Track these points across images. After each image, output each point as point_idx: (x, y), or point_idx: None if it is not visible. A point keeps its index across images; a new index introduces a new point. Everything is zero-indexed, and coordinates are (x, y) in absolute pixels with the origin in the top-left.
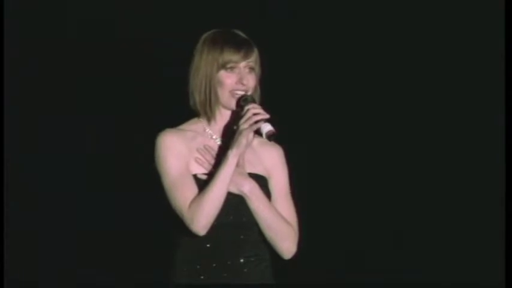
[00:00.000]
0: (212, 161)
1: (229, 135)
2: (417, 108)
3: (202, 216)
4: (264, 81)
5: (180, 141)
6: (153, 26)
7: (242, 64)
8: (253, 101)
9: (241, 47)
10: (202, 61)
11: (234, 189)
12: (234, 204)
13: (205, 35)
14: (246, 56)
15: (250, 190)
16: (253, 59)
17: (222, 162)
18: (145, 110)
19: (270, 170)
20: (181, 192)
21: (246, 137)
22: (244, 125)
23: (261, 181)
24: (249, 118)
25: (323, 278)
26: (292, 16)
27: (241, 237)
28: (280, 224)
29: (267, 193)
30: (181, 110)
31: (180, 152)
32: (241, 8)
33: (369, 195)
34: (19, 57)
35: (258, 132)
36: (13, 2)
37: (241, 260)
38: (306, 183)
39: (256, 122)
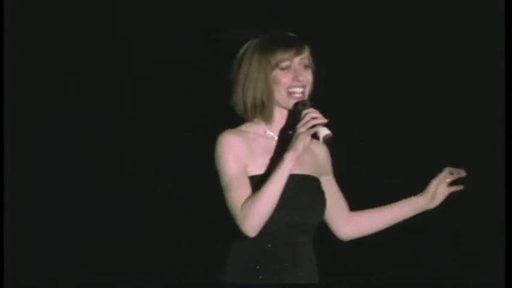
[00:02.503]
0: (270, 163)
1: (287, 137)
2: (417, 108)
3: (253, 217)
4: None
5: (240, 143)
6: (153, 26)
7: (296, 61)
8: (312, 106)
9: (291, 44)
10: (254, 65)
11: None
12: (299, 204)
13: (252, 42)
14: (298, 53)
15: None
16: (306, 55)
17: (278, 164)
18: (146, 110)
19: (324, 169)
20: (235, 193)
21: (303, 140)
22: (301, 128)
23: (316, 183)
24: (307, 122)
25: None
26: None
27: (302, 239)
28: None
29: (322, 194)
30: (181, 110)
31: (240, 154)
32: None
33: (368, 194)
34: (19, 57)
35: (314, 136)
36: (13, 2)
37: (297, 262)
38: None
39: (314, 126)
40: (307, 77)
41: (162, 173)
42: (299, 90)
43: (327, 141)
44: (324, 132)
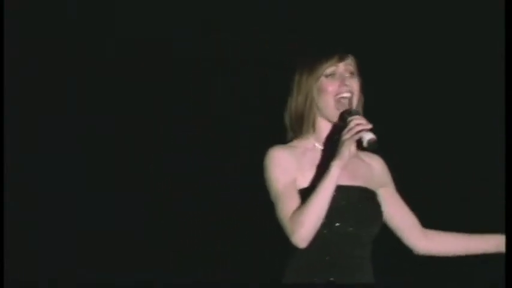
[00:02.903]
0: (317, 175)
1: (334, 147)
2: (416, 108)
3: (302, 227)
4: None
5: (288, 156)
6: (153, 26)
7: (341, 68)
8: (358, 114)
9: (335, 52)
10: (303, 79)
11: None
12: (354, 216)
13: (300, 58)
14: (342, 58)
15: None
16: (352, 63)
17: (325, 174)
18: (146, 110)
19: (381, 180)
20: (284, 205)
21: (348, 147)
22: (346, 135)
23: (370, 195)
24: (352, 128)
25: None
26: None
27: (359, 253)
28: None
29: (377, 207)
30: (181, 110)
31: (287, 167)
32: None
33: None
34: (19, 57)
35: (359, 143)
36: (13, 2)
37: (356, 276)
38: None
39: (358, 132)
40: (354, 84)
41: (162, 173)
42: (347, 95)
43: (371, 145)
44: (368, 136)
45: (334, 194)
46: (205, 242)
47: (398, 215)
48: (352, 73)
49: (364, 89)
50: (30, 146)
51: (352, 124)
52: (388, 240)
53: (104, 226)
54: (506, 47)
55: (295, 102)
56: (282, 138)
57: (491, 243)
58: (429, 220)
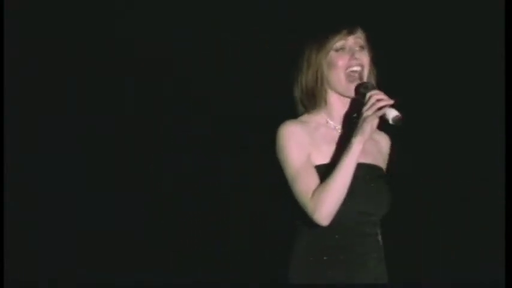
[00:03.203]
0: (335, 152)
1: (350, 124)
2: (416, 108)
3: (325, 205)
4: None
5: (302, 132)
6: (153, 26)
7: (350, 41)
8: (374, 88)
9: (343, 26)
10: (312, 54)
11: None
12: (366, 194)
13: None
14: (351, 32)
15: None
16: (361, 36)
17: (346, 150)
18: (146, 110)
19: (386, 159)
20: (303, 182)
21: (370, 123)
22: (368, 111)
23: (381, 173)
24: (373, 104)
25: None
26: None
27: (370, 230)
28: None
29: (387, 185)
30: (181, 110)
31: (303, 142)
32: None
33: None
34: (19, 57)
35: (382, 119)
36: (13, 2)
37: (366, 255)
38: None
39: (381, 108)
40: (364, 57)
41: (162, 173)
42: (357, 68)
43: (397, 122)
44: (392, 113)
45: None
46: (205, 242)
47: None
48: (362, 46)
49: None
50: (30, 146)
51: (373, 100)
52: (388, 241)
53: (104, 226)
54: (506, 47)
55: (305, 77)
56: None
57: None
58: (429, 220)
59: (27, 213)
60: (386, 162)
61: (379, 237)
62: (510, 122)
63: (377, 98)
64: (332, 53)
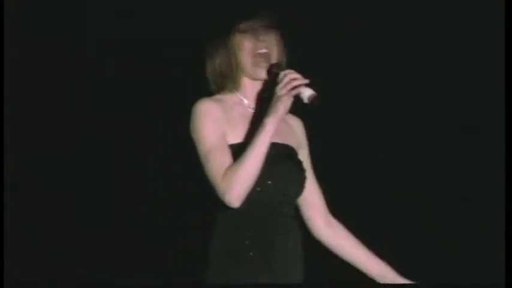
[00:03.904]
0: (249, 131)
1: (264, 103)
2: (416, 108)
3: (237, 186)
4: None
5: (217, 109)
6: (153, 26)
7: (257, 24)
8: (287, 67)
9: (257, 12)
10: (222, 36)
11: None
12: (280, 173)
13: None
14: (261, 18)
15: None
16: (271, 23)
17: (259, 129)
18: (146, 110)
19: (300, 142)
20: (216, 161)
21: (284, 103)
22: (282, 90)
23: (293, 153)
24: (287, 83)
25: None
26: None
27: (287, 211)
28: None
29: (300, 165)
30: (181, 110)
31: (218, 120)
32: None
33: (368, 194)
34: (19, 57)
35: (296, 99)
36: (13, 2)
37: (285, 236)
38: None
39: (295, 87)
40: (270, 38)
41: (162, 173)
42: (263, 51)
43: (313, 101)
44: (307, 92)
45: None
46: (205, 242)
47: (306, 186)
48: (268, 26)
49: (367, 90)
50: (30, 146)
51: (287, 79)
52: (387, 241)
53: (104, 226)
54: (506, 47)
55: (218, 59)
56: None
57: (377, 271)
58: (429, 220)
59: (27, 213)
60: (302, 145)
61: (295, 219)
62: (510, 122)
63: (291, 77)
64: (237, 35)
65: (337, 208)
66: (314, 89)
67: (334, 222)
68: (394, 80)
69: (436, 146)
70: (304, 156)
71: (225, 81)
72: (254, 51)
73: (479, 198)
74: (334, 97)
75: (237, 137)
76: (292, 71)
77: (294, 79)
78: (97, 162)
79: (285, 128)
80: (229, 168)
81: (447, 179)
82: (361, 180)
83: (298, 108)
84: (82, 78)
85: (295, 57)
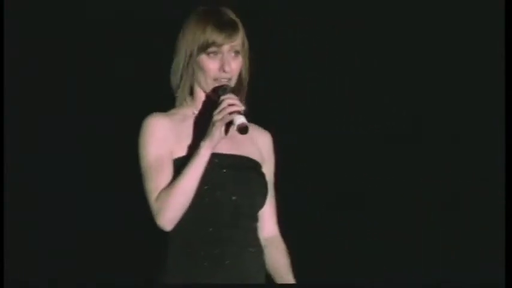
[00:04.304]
0: (195, 145)
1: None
2: (416, 108)
3: (167, 210)
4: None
5: (166, 126)
6: (153, 26)
7: (226, 48)
8: (232, 91)
9: (225, 27)
10: (184, 41)
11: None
12: (236, 185)
13: (190, 14)
14: (230, 38)
15: None
16: (239, 41)
17: (194, 154)
18: (146, 110)
19: (264, 156)
20: (152, 180)
21: (219, 128)
22: (218, 115)
23: (253, 164)
24: (223, 109)
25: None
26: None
27: (245, 223)
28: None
29: (261, 177)
30: None
31: (164, 139)
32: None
33: (368, 194)
34: (19, 57)
35: (229, 124)
36: (13, 2)
37: (243, 248)
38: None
39: (231, 113)
40: (234, 66)
41: None
42: (224, 80)
43: (241, 130)
44: (238, 120)
45: (216, 161)
46: None
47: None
48: (237, 52)
49: (367, 90)
50: (30, 146)
51: (224, 104)
52: (388, 241)
53: (104, 226)
54: (506, 47)
55: (177, 66)
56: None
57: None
58: (429, 220)
59: (27, 213)
60: (266, 160)
61: (257, 231)
62: (510, 122)
63: (228, 103)
64: (203, 56)
65: (338, 207)
66: (246, 118)
67: (278, 239)
68: (394, 80)
69: (436, 146)
70: (267, 170)
71: (181, 92)
72: (216, 77)
73: (479, 198)
74: (334, 97)
75: (183, 150)
76: (231, 96)
77: (232, 105)
78: (97, 162)
79: (248, 140)
80: (163, 190)
81: (447, 179)
82: (361, 180)
83: (299, 108)
84: (82, 78)
85: (295, 58)
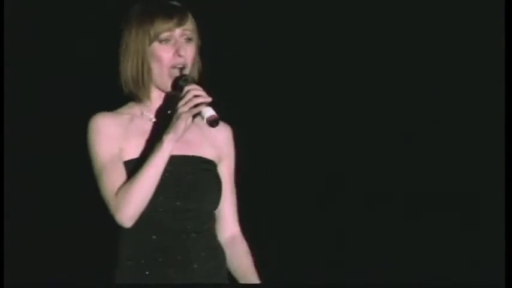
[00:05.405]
0: (146, 147)
1: (166, 118)
2: (416, 108)
3: (128, 205)
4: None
5: (114, 124)
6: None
7: (177, 33)
8: (194, 82)
9: (173, 13)
10: (132, 35)
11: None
12: (180, 188)
13: (132, 9)
14: (180, 23)
15: None
16: (190, 27)
17: (156, 147)
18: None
19: (221, 153)
20: (109, 178)
21: (184, 121)
22: (183, 107)
23: (208, 165)
24: (189, 100)
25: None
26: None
27: (193, 228)
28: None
29: (216, 178)
30: None
31: (113, 136)
32: None
33: (368, 194)
34: (19, 57)
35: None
36: (13, 2)
37: (190, 254)
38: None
39: (197, 105)
40: (189, 51)
41: None
42: (180, 66)
43: (212, 123)
44: (208, 113)
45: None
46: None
47: (222, 198)
48: (189, 38)
49: (367, 90)
50: (30, 146)
51: (189, 95)
52: (389, 241)
53: (104, 226)
54: (506, 47)
55: (130, 63)
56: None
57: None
58: (429, 220)
59: (27, 213)
60: (224, 155)
61: (213, 234)
62: (510, 122)
63: (194, 94)
64: (156, 44)
65: (339, 207)
66: (215, 109)
67: (239, 239)
68: (394, 79)
69: (436, 145)
70: (226, 167)
71: (134, 88)
72: (171, 65)
73: (479, 198)
74: (334, 97)
75: (133, 152)
76: (196, 86)
77: (197, 96)
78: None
79: (200, 138)
80: (122, 187)
81: (447, 179)
82: (361, 179)
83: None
84: (82, 78)
85: (295, 57)
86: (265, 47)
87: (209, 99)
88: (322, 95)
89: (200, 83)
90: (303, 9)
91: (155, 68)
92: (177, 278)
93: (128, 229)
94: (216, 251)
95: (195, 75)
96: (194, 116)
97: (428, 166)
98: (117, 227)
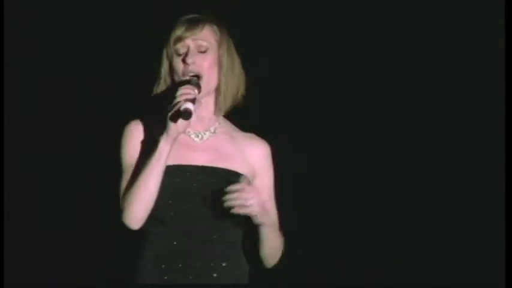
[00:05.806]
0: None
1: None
2: (416, 108)
3: (131, 208)
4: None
5: (142, 131)
6: (154, 26)
7: (189, 42)
8: (197, 85)
9: (188, 22)
10: (164, 52)
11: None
12: (207, 197)
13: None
14: (191, 31)
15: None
16: (205, 37)
17: (153, 151)
18: (146, 110)
19: (256, 168)
20: (122, 182)
21: (172, 121)
22: (170, 108)
23: (234, 178)
24: (176, 101)
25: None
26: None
27: (215, 236)
28: (279, 245)
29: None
30: None
31: (138, 142)
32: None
33: (368, 194)
34: (19, 57)
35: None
36: (13, 2)
37: (211, 264)
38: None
39: (180, 102)
40: (201, 61)
41: None
42: (191, 74)
43: (182, 115)
44: (183, 107)
45: (187, 174)
46: None
47: None
48: (204, 49)
49: (367, 90)
50: (30, 146)
51: (177, 98)
52: (389, 241)
53: (104, 226)
54: (506, 47)
55: (164, 73)
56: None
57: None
58: (428, 220)
59: (27, 213)
60: (258, 171)
61: (236, 246)
62: (510, 122)
63: (180, 93)
64: (175, 58)
65: (339, 206)
66: (193, 105)
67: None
68: (394, 79)
69: (436, 145)
70: (260, 182)
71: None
72: (181, 72)
73: (479, 198)
74: (334, 97)
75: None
76: (187, 86)
77: (182, 94)
78: (97, 162)
79: (234, 152)
80: (127, 189)
81: (447, 179)
82: (361, 179)
83: (303, 106)
84: (82, 78)
85: (294, 57)
86: (265, 47)
87: (191, 96)
88: (322, 95)
89: (243, 102)
90: (303, 9)
91: (175, 79)
92: (194, 285)
93: (150, 233)
94: (238, 264)
95: (228, 88)
96: (188, 117)
97: (428, 166)
98: (142, 231)
